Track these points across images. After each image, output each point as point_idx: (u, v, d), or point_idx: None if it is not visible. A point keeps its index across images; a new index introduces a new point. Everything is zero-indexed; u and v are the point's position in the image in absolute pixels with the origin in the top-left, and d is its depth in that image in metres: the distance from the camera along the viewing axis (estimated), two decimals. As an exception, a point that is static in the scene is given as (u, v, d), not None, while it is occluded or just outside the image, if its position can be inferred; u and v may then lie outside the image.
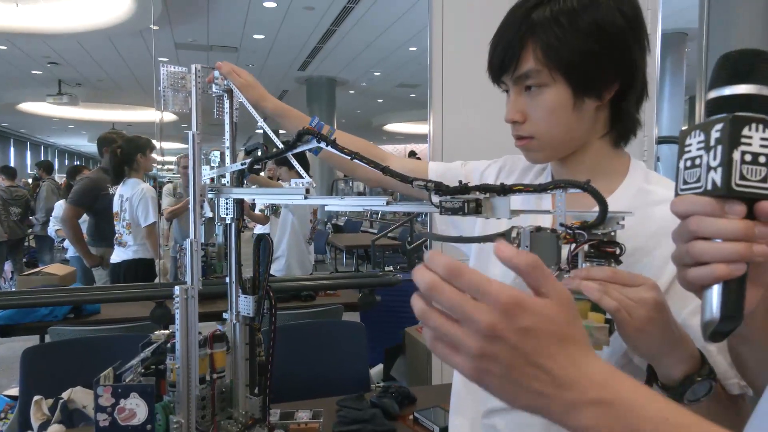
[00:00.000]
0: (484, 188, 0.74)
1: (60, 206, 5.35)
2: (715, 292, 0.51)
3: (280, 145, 1.02)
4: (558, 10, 0.83)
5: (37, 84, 11.83)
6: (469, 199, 0.75)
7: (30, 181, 10.96)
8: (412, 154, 12.08)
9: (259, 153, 1.18)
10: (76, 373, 1.73)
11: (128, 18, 7.46)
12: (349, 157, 0.89)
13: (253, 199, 1.20)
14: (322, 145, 0.95)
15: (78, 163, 26.86)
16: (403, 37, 8.64)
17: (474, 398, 1.03)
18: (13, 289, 5.68)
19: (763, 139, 0.48)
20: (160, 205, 4.07)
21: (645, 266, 0.78)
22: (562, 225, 0.69)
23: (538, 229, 0.70)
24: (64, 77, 11.25)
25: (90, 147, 23.17)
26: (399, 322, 3.69)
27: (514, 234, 0.72)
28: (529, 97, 0.88)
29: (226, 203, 1.20)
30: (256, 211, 4.20)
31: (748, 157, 0.47)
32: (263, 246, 1.27)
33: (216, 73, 1.20)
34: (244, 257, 1.26)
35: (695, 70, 3.45)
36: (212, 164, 1.23)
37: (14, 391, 2.93)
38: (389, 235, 7.68)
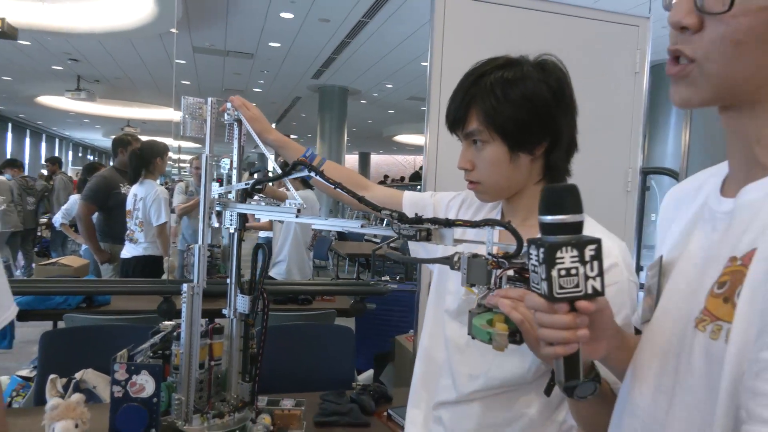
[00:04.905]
0: (434, 221, 0.94)
1: (74, 200, 5.52)
2: (562, 363, 0.71)
3: (279, 171, 1.22)
4: (494, 82, 1.03)
5: (56, 79, 12.12)
6: (421, 228, 0.95)
7: (45, 173, 11.19)
8: (421, 169, 12.20)
9: (257, 176, 1.38)
10: (88, 357, 1.92)
11: (149, 21, 7.68)
12: (332, 186, 1.09)
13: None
14: (312, 174, 1.15)
15: (92, 158, 27.24)
16: (416, 52, 8.83)
17: (428, 393, 1.22)
18: (32, 278, 5.88)
19: (572, 257, 0.65)
20: (171, 204, 4.29)
21: None
22: (489, 254, 0.88)
23: (475, 255, 0.90)
24: (83, 74, 11.55)
25: (104, 142, 23.47)
26: (390, 329, 3.85)
27: (456, 258, 0.92)
28: (476, 150, 1.08)
29: (231, 216, 1.39)
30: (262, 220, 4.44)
31: (563, 272, 0.65)
32: (261, 253, 1.48)
33: (228, 104, 1.40)
34: (246, 262, 1.46)
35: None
36: (222, 169, 1.43)
37: (25, 372, 3.14)
38: (391, 245, 7.77)
